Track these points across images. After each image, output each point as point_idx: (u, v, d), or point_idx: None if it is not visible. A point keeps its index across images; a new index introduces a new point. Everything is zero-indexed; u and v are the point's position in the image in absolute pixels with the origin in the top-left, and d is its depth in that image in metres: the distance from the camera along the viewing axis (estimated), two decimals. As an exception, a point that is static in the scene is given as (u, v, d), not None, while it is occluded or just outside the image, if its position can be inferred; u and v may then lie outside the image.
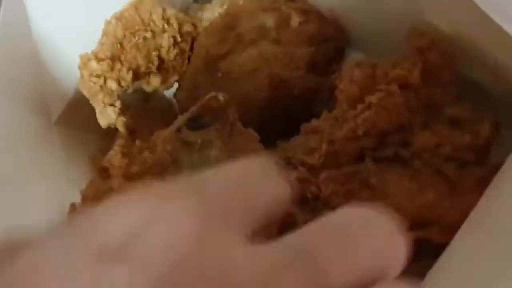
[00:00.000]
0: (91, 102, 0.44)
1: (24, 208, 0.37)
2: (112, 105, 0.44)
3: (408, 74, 0.36)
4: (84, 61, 0.44)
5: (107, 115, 0.44)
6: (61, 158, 0.43)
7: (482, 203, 0.35)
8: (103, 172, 0.43)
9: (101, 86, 0.43)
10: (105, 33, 0.44)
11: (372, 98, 0.36)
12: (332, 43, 0.47)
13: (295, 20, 0.47)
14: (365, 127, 0.36)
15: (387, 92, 0.36)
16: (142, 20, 0.44)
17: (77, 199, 0.40)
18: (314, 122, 0.41)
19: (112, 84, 0.43)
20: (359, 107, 0.36)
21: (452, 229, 0.35)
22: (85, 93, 0.43)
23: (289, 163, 0.41)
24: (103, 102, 0.44)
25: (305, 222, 0.38)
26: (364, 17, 0.47)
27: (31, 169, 0.39)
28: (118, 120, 0.44)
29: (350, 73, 0.38)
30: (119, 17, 0.44)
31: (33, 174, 0.39)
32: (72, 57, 0.43)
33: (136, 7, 0.44)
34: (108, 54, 0.43)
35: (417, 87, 0.37)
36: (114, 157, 0.41)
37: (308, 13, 0.48)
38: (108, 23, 0.44)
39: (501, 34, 0.32)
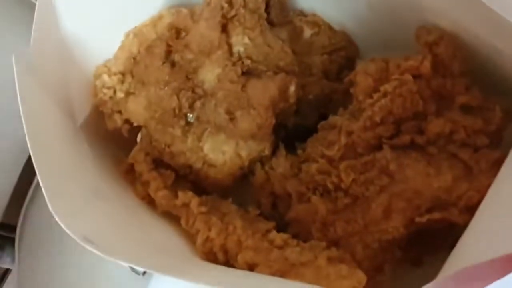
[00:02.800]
0: (100, 108, 0.45)
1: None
2: (119, 112, 0.45)
3: (419, 65, 0.38)
4: (98, 73, 0.46)
5: (114, 121, 0.46)
6: (88, 159, 0.44)
7: (498, 181, 0.36)
8: (129, 170, 0.45)
9: (110, 97, 0.45)
10: (121, 47, 0.46)
11: (387, 87, 0.38)
12: (342, 52, 0.50)
13: (307, 32, 0.50)
14: (382, 114, 0.38)
15: (401, 81, 0.38)
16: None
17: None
18: (331, 119, 0.42)
19: (121, 95, 0.45)
20: (375, 96, 0.38)
21: (471, 209, 0.37)
22: (95, 100, 0.45)
23: (309, 158, 0.42)
24: (111, 109, 0.45)
25: (329, 212, 0.40)
26: (371, 29, 0.50)
27: (64, 169, 0.40)
28: (123, 127, 0.45)
29: (364, 66, 0.40)
30: (137, 33, 0.46)
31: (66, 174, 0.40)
32: (97, 63, 0.46)
33: (154, 24, 0.47)
34: (121, 68, 0.45)
35: (428, 77, 0.39)
36: (138, 152, 0.43)
37: (319, 25, 0.50)
38: (126, 36, 0.46)
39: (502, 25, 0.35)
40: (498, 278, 0.27)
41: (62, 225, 0.31)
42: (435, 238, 0.41)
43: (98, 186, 0.44)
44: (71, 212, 0.35)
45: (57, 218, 0.31)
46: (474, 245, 0.34)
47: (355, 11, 0.49)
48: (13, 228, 0.53)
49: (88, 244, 0.32)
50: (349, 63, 0.50)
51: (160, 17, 0.47)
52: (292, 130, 0.47)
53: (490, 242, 0.33)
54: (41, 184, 0.33)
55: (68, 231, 0.31)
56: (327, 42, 0.50)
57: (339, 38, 0.50)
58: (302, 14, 0.52)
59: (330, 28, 0.51)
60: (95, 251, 0.31)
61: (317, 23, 0.51)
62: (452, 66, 0.40)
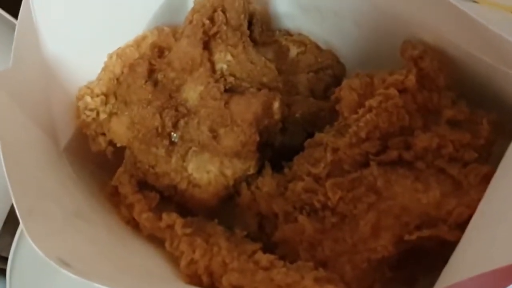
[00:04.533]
0: (83, 130, 0.45)
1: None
2: (103, 134, 0.45)
3: (404, 79, 0.38)
4: (81, 94, 0.45)
5: (98, 143, 0.45)
6: (71, 182, 0.43)
7: (488, 195, 0.35)
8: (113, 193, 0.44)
9: (93, 119, 0.44)
10: (104, 68, 0.45)
11: (372, 102, 0.37)
12: (329, 70, 0.49)
13: (293, 51, 0.50)
14: (368, 129, 0.37)
15: (386, 95, 0.37)
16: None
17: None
18: (316, 136, 0.42)
19: (104, 116, 0.44)
20: (361, 111, 0.38)
21: (461, 225, 0.36)
22: (78, 122, 0.45)
23: (295, 177, 0.41)
24: (95, 132, 0.45)
25: (316, 231, 0.39)
26: (357, 47, 0.49)
27: (43, 191, 0.39)
28: (107, 149, 0.45)
29: (349, 82, 0.39)
30: (120, 54, 0.46)
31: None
32: (79, 84, 0.45)
33: (138, 44, 0.46)
34: (104, 89, 0.45)
35: (414, 91, 0.38)
36: (122, 174, 0.42)
37: (305, 44, 0.50)
38: (109, 57, 0.45)
39: (488, 37, 0.34)
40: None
41: (33, 245, 0.30)
42: (427, 257, 0.40)
43: (80, 208, 0.43)
44: (46, 232, 0.35)
45: (29, 238, 0.30)
46: (467, 261, 0.33)
47: (341, 29, 0.49)
48: (4, 260, 0.52)
49: (62, 266, 0.31)
50: (336, 82, 0.50)
51: (143, 37, 0.47)
52: (279, 150, 0.47)
53: (482, 258, 0.32)
54: (14, 202, 0.32)
55: (40, 252, 0.30)
56: (313, 61, 0.49)
57: (325, 56, 0.50)
58: (288, 33, 0.52)
59: (317, 46, 0.51)
60: (70, 274, 0.30)
61: (303, 42, 0.50)
62: (437, 80, 0.39)
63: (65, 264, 0.31)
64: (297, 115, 0.46)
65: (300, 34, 0.51)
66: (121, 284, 0.33)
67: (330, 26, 0.49)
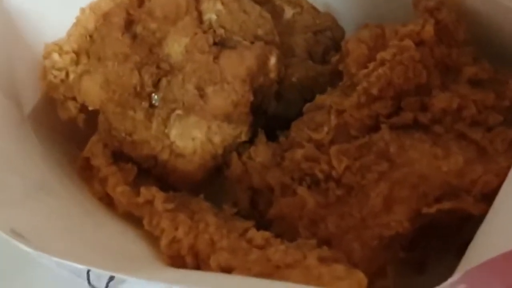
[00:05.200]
0: (50, 94, 0.39)
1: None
2: (73, 98, 0.39)
3: (420, 30, 0.33)
4: (48, 52, 0.40)
5: (67, 109, 0.39)
6: (37, 153, 0.38)
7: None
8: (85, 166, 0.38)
9: (62, 80, 0.39)
10: (75, 23, 0.40)
11: (385, 55, 0.32)
12: (328, 32, 0.44)
13: (289, 12, 0.45)
14: (380, 85, 0.32)
15: (400, 47, 0.32)
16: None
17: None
18: (317, 98, 0.37)
19: (74, 78, 0.39)
20: (371, 65, 0.33)
21: (488, 197, 0.31)
22: (44, 84, 0.39)
23: (293, 144, 0.36)
24: (64, 96, 0.39)
25: (318, 205, 0.34)
26: (358, 10, 0.45)
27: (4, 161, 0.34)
28: (78, 116, 0.39)
29: (357, 33, 0.34)
30: (94, 7, 0.40)
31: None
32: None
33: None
34: (75, 46, 0.40)
35: (432, 44, 0.33)
36: (95, 144, 0.37)
37: (301, 6, 0.45)
38: (82, 11, 0.40)
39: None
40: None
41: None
42: (442, 237, 0.35)
43: (46, 181, 0.38)
44: (2, 203, 0.29)
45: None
46: (497, 236, 0.28)
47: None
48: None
49: (15, 238, 0.26)
50: (336, 46, 0.45)
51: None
52: (273, 121, 0.41)
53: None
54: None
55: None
56: (310, 22, 0.44)
57: (324, 18, 0.45)
58: (282, -6, 0.46)
59: (314, 8, 0.46)
60: (23, 245, 0.25)
61: (299, 3, 0.45)
62: (456, 34, 0.34)
63: (19, 236, 0.26)
64: (293, 79, 0.41)
65: (296, -5, 0.46)
66: (86, 261, 0.28)
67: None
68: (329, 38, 0.44)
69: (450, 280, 0.23)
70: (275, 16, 0.45)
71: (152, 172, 0.39)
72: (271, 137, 0.40)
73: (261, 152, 0.37)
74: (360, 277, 0.28)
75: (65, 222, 0.33)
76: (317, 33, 0.44)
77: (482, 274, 0.23)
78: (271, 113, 0.41)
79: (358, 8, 0.45)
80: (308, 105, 0.38)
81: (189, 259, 0.33)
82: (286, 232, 0.35)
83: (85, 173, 0.41)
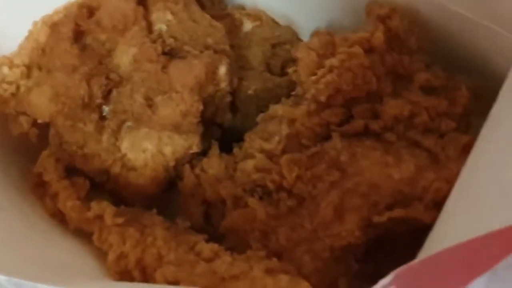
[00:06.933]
0: (1, 108, 0.38)
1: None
2: (25, 113, 0.38)
3: (370, 37, 0.33)
4: None
5: (19, 124, 0.38)
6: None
7: (468, 168, 0.29)
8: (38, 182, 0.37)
9: (12, 94, 0.38)
10: (27, 36, 0.39)
11: (334, 61, 0.32)
12: (287, 45, 0.44)
13: (248, 25, 0.44)
14: (328, 92, 0.31)
15: (349, 54, 0.32)
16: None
17: None
18: (271, 108, 0.36)
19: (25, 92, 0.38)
20: (320, 72, 0.32)
21: (439, 204, 0.30)
22: None
23: (246, 156, 0.35)
24: (15, 110, 0.38)
25: (269, 217, 0.33)
26: (318, 23, 0.44)
27: None
28: (31, 131, 0.38)
29: (307, 42, 0.34)
30: (46, 21, 0.39)
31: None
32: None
33: (68, 11, 0.40)
34: (26, 60, 0.39)
35: (382, 51, 0.33)
36: (47, 159, 0.36)
37: (261, 19, 0.45)
38: (34, 24, 0.39)
39: None
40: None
41: None
42: (396, 247, 0.34)
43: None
44: None
45: None
46: (445, 241, 0.27)
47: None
48: None
49: None
50: (295, 59, 0.44)
51: (73, 3, 0.40)
52: (231, 134, 0.41)
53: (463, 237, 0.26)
54: None
55: None
56: (269, 35, 0.44)
57: (283, 30, 0.44)
58: (242, 7, 0.46)
59: (274, 21, 0.45)
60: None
61: (258, 16, 0.45)
62: (408, 42, 0.34)
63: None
64: (250, 91, 0.40)
65: (255, 9, 0.46)
66: (25, 274, 0.27)
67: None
68: (288, 51, 0.44)
69: (381, 282, 0.22)
70: (234, 29, 0.44)
71: (105, 186, 0.38)
72: (229, 150, 0.39)
73: (214, 164, 0.36)
74: (305, 286, 0.27)
75: (4, 235, 0.32)
76: (276, 46, 0.44)
77: (410, 276, 0.22)
78: (227, 125, 0.40)
79: (318, 21, 0.45)
80: (262, 115, 0.37)
81: (136, 274, 0.32)
82: (239, 245, 0.34)
83: (38, 189, 0.40)
